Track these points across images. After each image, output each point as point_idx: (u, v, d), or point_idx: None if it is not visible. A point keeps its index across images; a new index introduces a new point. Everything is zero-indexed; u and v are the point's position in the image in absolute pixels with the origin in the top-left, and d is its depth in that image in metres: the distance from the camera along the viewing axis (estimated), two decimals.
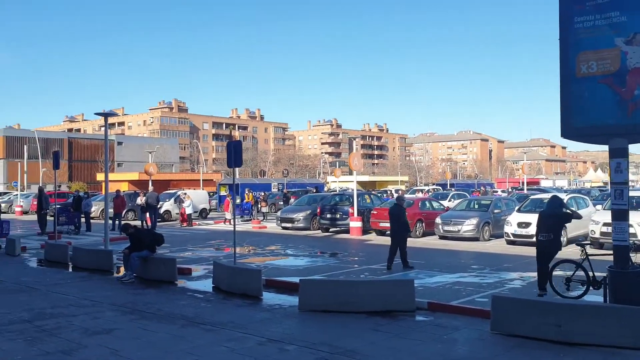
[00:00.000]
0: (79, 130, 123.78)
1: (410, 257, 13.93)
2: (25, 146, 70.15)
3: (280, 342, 7.47)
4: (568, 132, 8.66)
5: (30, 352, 6.98)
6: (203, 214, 33.33)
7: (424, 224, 21.98)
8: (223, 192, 42.40)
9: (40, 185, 33.57)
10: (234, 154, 11.28)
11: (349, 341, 7.54)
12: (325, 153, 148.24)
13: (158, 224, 28.13)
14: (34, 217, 27.29)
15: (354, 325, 8.42)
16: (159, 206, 30.41)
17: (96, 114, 15.23)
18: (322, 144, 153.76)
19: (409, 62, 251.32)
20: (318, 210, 24.37)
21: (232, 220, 28.30)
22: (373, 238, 21.57)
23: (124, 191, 36.49)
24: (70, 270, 14.24)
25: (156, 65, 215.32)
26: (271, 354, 6.99)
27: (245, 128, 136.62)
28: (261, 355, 6.92)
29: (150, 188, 28.34)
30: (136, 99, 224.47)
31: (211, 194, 44.73)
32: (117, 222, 25.08)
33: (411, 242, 19.75)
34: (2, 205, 41.86)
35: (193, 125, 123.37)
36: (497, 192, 50.00)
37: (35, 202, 28.24)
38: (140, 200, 26.47)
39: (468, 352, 7.18)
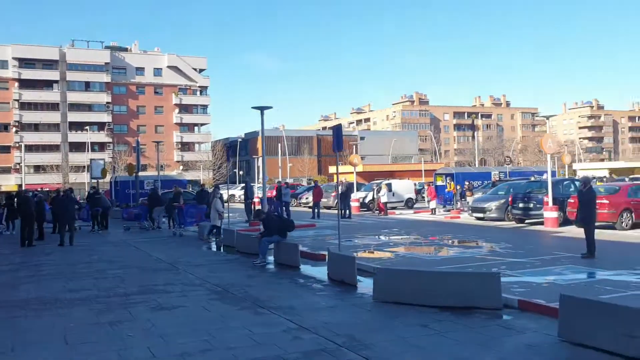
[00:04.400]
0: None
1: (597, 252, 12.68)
2: (279, 144, 78.90)
3: (305, 331, 7.13)
4: None
5: (86, 320, 7.87)
6: (409, 203, 33.24)
7: (633, 214, 18.58)
8: (440, 182, 41.66)
9: (246, 179, 37.00)
10: (336, 138, 11.04)
11: (376, 335, 6.86)
12: (584, 138, 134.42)
13: (361, 212, 29.21)
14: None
15: (405, 320, 7.60)
16: (364, 196, 31.55)
17: (253, 107, 16.34)
18: (580, 128, 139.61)
19: None
20: (510, 199, 22.32)
21: (435, 210, 27.96)
22: (566, 230, 18.95)
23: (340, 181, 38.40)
24: (234, 254, 15.25)
25: (403, 64, 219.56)
26: (279, 340, 6.71)
27: (489, 116, 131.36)
28: (264, 339, 6.72)
29: (343, 179, 29.31)
30: (382, 96, 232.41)
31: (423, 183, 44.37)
32: (315, 210, 26.80)
33: (612, 235, 17.10)
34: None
35: (434, 117, 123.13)
36: None
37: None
38: (339, 189, 27.61)
39: None
